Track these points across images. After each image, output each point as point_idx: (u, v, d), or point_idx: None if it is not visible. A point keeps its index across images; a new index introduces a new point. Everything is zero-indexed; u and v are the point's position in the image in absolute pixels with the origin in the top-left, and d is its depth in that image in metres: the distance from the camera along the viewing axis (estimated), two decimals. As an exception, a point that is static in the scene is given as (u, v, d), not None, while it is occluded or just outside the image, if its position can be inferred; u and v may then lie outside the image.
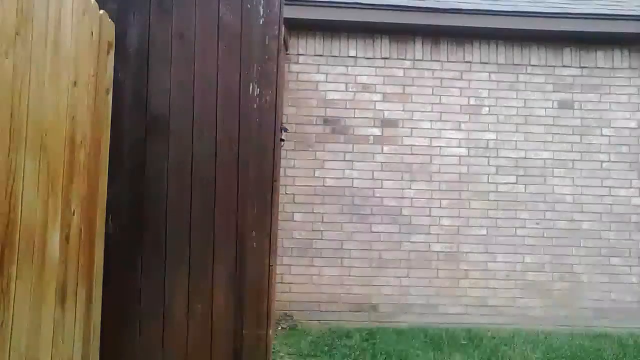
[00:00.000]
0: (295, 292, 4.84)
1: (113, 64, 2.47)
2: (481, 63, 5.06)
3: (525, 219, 4.98)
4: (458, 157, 5.00)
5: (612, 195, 5.01)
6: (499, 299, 4.92)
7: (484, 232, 4.96)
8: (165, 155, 2.51)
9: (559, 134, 5.05)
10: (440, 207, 4.96)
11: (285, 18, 2.81)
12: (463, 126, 5.02)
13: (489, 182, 5.00)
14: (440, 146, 4.99)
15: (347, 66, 5.01)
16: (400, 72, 5.03)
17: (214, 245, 2.49)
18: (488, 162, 5.01)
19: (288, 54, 4.94)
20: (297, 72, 4.98)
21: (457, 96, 5.03)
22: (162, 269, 2.47)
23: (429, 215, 4.95)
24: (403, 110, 5.00)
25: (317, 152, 4.94)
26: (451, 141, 5.00)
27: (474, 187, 4.99)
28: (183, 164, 2.51)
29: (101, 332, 2.41)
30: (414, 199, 4.96)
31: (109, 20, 2.42)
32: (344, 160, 4.95)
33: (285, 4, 2.71)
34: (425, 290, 4.90)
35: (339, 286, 4.86)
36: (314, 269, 4.87)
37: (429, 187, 4.97)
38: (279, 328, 4.60)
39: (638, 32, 4.91)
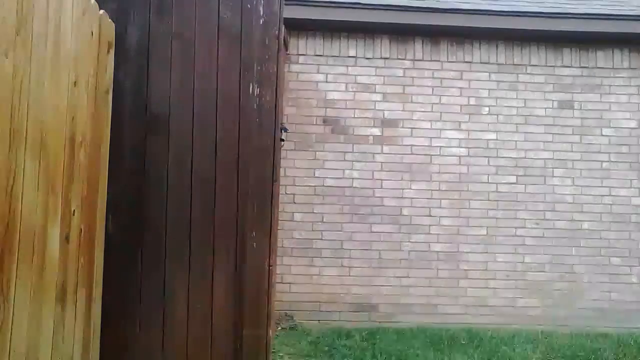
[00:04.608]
0: (295, 292, 4.84)
1: (113, 64, 2.47)
2: (481, 63, 5.06)
3: (525, 219, 4.98)
4: (458, 157, 5.00)
5: (612, 195, 5.01)
6: (499, 299, 4.92)
7: (484, 232, 4.96)
8: (165, 155, 2.51)
9: (559, 134, 5.05)
10: (440, 207, 4.96)
11: (285, 18, 2.81)
12: (463, 126, 5.02)
13: (489, 182, 5.00)
14: (440, 146, 4.99)
15: (347, 66, 5.01)
16: (400, 72, 5.03)
17: (214, 245, 2.49)
18: (488, 162, 5.01)
19: (288, 54, 4.94)
20: (297, 72, 4.98)
21: (457, 96, 5.03)
22: (162, 269, 2.47)
23: (429, 215, 4.95)
24: (403, 110, 5.00)
25: (317, 152, 4.94)
26: (451, 141, 5.00)
27: (474, 187, 4.99)
28: (183, 164, 2.51)
29: (101, 332, 2.41)
30: (414, 199, 4.96)
31: (109, 20, 2.42)
32: (344, 160, 4.95)
33: (285, 4, 2.71)
34: (425, 290, 4.90)
35: (339, 286, 4.86)
36: (314, 269, 4.87)
37: (429, 187, 4.97)
38: (279, 328, 4.60)
39: (638, 32, 4.91)
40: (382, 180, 4.95)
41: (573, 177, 5.02)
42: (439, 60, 5.05)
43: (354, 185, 4.94)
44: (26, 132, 1.65)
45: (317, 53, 5.00)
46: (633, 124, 5.07)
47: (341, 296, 4.86)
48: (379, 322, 4.83)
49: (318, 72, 4.99)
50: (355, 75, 5.01)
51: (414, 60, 5.04)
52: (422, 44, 5.05)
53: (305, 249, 4.88)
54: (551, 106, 5.08)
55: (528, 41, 5.06)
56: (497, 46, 5.07)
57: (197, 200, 2.50)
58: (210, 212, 2.49)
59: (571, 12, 4.90)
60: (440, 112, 5.01)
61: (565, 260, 4.97)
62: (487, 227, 4.96)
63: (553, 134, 5.05)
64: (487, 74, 5.06)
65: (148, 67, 2.52)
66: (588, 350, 4.13)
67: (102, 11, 2.32)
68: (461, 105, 5.03)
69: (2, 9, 1.49)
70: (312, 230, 4.89)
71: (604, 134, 5.06)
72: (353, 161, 4.95)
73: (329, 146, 4.95)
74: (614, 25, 4.90)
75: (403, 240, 4.93)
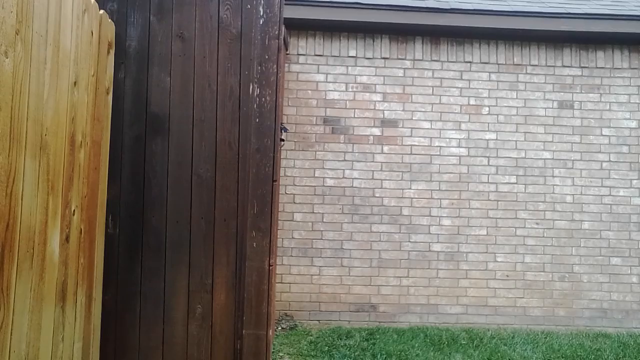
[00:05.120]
0: (295, 292, 4.84)
1: (113, 64, 2.47)
2: (481, 63, 5.06)
3: (525, 219, 4.98)
4: (458, 157, 5.00)
5: (612, 195, 5.01)
6: (499, 299, 4.92)
7: (484, 232, 4.96)
8: (165, 155, 2.51)
9: (559, 134, 5.05)
10: (440, 207, 4.96)
11: (285, 18, 2.81)
12: (463, 126, 5.02)
13: (489, 182, 5.00)
14: (440, 146, 4.99)
15: (347, 66, 5.01)
16: (400, 72, 5.03)
17: (214, 245, 2.49)
18: (488, 162, 5.02)
19: (288, 54, 4.94)
20: (297, 72, 4.98)
21: (457, 96, 5.03)
22: (162, 269, 2.48)
23: (429, 215, 4.95)
24: (403, 110, 5.00)
25: (317, 152, 4.94)
26: (451, 141, 5.00)
27: (474, 187, 4.99)
28: (183, 164, 2.51)
29: (101, 332, 2.41)
30: (414, 199, 4.96)
31: (109, 20, 2.42)
32: (344, 160, 4.95)
33: (285, 4, 2.72)
34: (425, 290, 4.90)
35: (339, 286, 4.87)
36: (314, 269, 4.87)
37: (429, 187, 4.97)
38: (279, 328, 4.60)
39: (638, 32, 4.91)
40: (382, 180, 4.96)
41: (573, 177, 5.02)
42: (439, 60, 5.05)
43: (354, 185, 4.94)
44: (26, 132, 1.65)
45: (317, 53, 5.00)
46: (633, 124, 5.07)
47: (341, 296, 4.86)
48: (379, 322, 4.83)
49: (318, 72, 4.99)
50: (355, 75, 5.01)
51: (414, 60, 5.04)
52: (422, 44, 5.05)
53: (305, 249, 4.88)
54: (551, 106, 5.08)
55: (528, 41, 5.07)
56: (497, 46, 5.08)
57: (197, 200, 2.50)
58: (210, 212, 2.50)
59: (571, 12, 4.91)
60: (440, 112, 5.01)
61: (565, 260, 4.97)
62: (487, 227, 4.97)
63: (553, 134, 5.05)
64: (487, 74, 5.07)
65: (148, 67, 2.53)
66: (588, 350, 4.14)
67: (102, 11, 2.32)
68: (461, 105, 5.03)
69: (2, 9, 1.49)
70: (312, 230, 4.90)
71: (604, 134, 5.06)
72: (353, 161, 4.95)
73: (329, 146, 4.95)
74: (614, 25, 4.90)
75: (403, 240, 4.93)
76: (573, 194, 5.01)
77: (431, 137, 4.99)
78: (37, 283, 1.75)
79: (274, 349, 3.98)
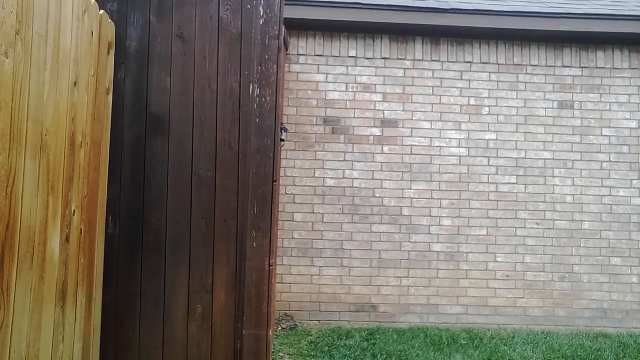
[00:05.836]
0: (295, 292, 4.84)
1: (113, 64, 2.47)
2: (481, 63, 5.06)
3: (525, 219, 4.98)
4: (458, 157, 5.00)
5: (612, 195, 5.01)
6: (499, 299, 4.92)
7: (484, 232, 4.96)
8: (165, 155, 2.51)
9: (559, 134, 5.05)
10: (440, 207, 4.96)
11: (285, 18, 2.81)
12: (463, 126, 5.02)
13: (489, 182, 5.00)
14: (440, 146, 4.99)
15: (347, 66, 5.01)
16: (400, 72, 5.03)
17: (214, 245, 2.49)
18: (488, 162, 5.02)
19: (288, 54, 4.94)
20: (297, 72, 4.98)
21: (457, 96, 5.03)
22: (162, 269, 2.48)
23: (429, 215, 4.95)
24: (403, 110, 5.00)
25: (317, 152, 4.94)
26: (451, 141, 5.00)
27: (474, 187, 4.99)
28: (183, 164, 2.51)
29: (101, 332, 2.41)
30: (414, 199, 4.96)
31: (109, 20, 2.42)
32: (344, 160, 4.95)
33: (285, 4, 2.72)
34: (425, 290, 4.90)
35: (339, 286, 4.87)
36: (314, 269, 4.87)
37: (429, 187, 4.97)
38: (279, 328, 4.60)
39: (638, 32, 4.91)
40: (382, 180, 4.96)
41: (573, 177, 5.02)
42: (439, 60, 5.05)
43: (354, 185, 4.94)
44: (26, 132, 1.65)
45: (317, 53, 5.00)
46: (633, 124, 5.07)
47: (341, 296, 4.86)
48: (379, 322, 4.83)
49: (318, 72, 4.99)
50: (355, 75, 5.01)
51: (414, 60, 5.04)
52: (422, 44, 5.05)
53: (305, 249, 4.88)
54: (551, 106, 5.08)
55: (528, 41, 5.07)
56: (497, 46, 5.08)
57: (197, 200, 2.50)
58: (210, 212, 2.50)
59: (571, 12, 4.90)
60: (440, 112, 5.01)
61: (565, 260, 4.97)
62: (487, 227, 4.97)
63: (553, 134, 5.05)
64: (487, 74, 5.07)
65: (148, 67, 2.53)
66: (588, 350, 4.14)
67: (102, 11, 2.32)
68: (461, 105, 5.03)
69: (2, 9, 1.49)
70: (312, 230, 4.90)
71: (604, 134, 5.06)
72: (353, 161, 4.95)
73: (329, 146, 4.95)
74: (614, 25, 4.90)
75: (403, 240, 4.93)
76: (573, 194, 5.01)
77: (431, 137, 4.99)
78: (37, 283, 1.75)
79: (274, 349, 3.98)
